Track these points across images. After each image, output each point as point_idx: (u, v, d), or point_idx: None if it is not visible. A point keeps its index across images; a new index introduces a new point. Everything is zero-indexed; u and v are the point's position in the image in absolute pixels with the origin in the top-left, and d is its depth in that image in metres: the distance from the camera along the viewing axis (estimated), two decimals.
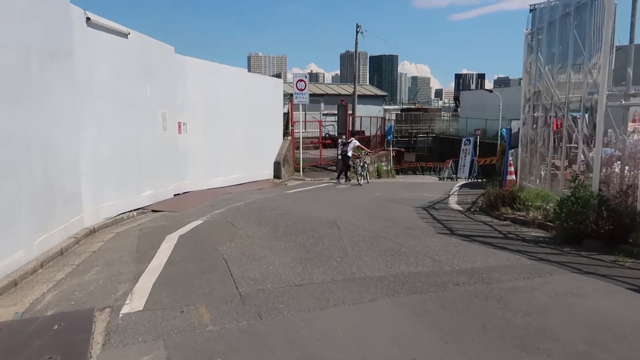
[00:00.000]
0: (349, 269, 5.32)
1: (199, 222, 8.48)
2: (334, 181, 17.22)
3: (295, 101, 18.64)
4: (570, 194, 6.79)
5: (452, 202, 11.94)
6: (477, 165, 19.56)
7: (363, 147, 18.30)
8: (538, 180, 9.46)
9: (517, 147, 16.78)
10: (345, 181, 16.99)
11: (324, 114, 28.46)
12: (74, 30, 7.51)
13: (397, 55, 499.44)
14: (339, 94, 30.87)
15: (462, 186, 15.60)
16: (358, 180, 16.92)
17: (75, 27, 7.60)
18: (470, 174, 19.74)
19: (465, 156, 20.44)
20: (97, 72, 8.28)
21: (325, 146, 23.13)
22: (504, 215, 9.08)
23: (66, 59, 7.18)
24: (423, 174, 32.87)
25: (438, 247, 6.31)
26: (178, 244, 6.74)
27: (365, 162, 17.54)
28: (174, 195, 11.70)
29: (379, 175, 24.85)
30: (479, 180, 17.59)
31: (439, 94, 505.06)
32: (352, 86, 30.23)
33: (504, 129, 28.93)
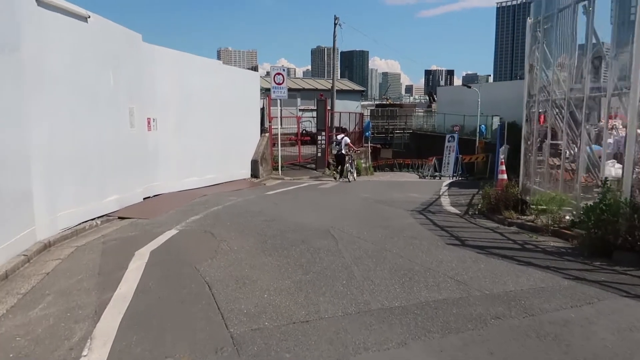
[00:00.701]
0: (361, 296, 4.42)
1: (173, 232, 7.43)
2: (326, 180, 16.46)
3: (273, 96, 17.61)
4: (597, 199, 6.05)
5: (446, 203, 11.20)
6: (461, 163, 18.97)
7: (352, 146, 18.46)
8: (543, 181, 8.78)
9: (504, 144, 16.23)
10: (340, 177, 17.38)
11: (300, 110, 27.46)
12: (20, 10, 6.35)
13: (368, 51, 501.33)
14: (316, 89, 29.91)
15: (449, 186, 14.94)
16: (348, 177, 17.31)
17: (23, 6, 6.44)
18: (454, 172, 19.15)
19: (449, 153, 19.84)
20: (50, 60, 7.10)
21: (304, 143, 22.16)
22: (509, 220, 8.35)
23: (9, 44, 6.01)
24: (401, 171, 32.29)
25: (455, 264, 5.48)
26: (150, 262, 5.71)
27: (353, 160, 17.88)
28: (144, 198, 10.57)
29: (358, 173, 24.06)
30: (465, 179, 16.96)
31: (409, 89, 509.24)
32: (329, 81, 29.34)
33: (482, 125, 28.63)
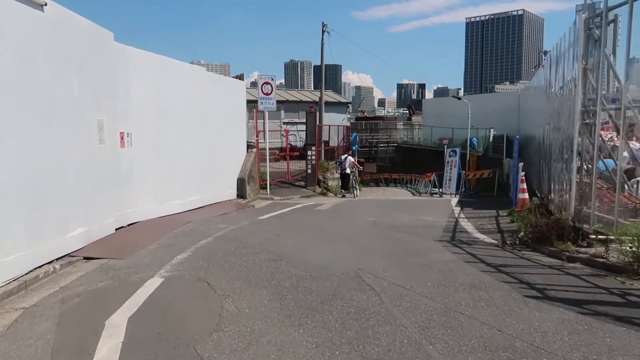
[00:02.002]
0: None
1: (156, 281, 5.67)
2: (319, 199, 15.10)
3: (260, 107, 15.95)
4: None
5: (470, 229, 9.71)
6: (465, 179, 17.64)
7: (356, 164, 19.38)
8: (601, 205, 7.36)
9: (506, 158, 14.93)
10: (346, 193, 18.34)
11: (284, 123, 25.84)
12: None
13: (341, 65, 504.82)
14: (301, 101, 28.36)
15: (460, 206, 13.51)
16: (353, 193, 18.19)
17: None
18: (457, 189, 17.82)
19: (450, 169, 18.50)
20: None
21: (292, 158, 20.51)
22: (566, 254, 6.89)
23: None
24: (388, 186, 30.92)
25: (566, 336, 3.91)
26: (128, 339, 3.96)
27: (356, 176, 19.00)
28: (116, 229, 8.74)
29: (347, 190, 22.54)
30: (470, 197, 15.61)
31: (382, 103, 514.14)
32: (314, 92, 27.86)
33: (474, 138, 27.52)
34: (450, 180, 18.62)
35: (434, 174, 21.04)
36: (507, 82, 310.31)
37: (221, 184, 13.73)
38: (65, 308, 4.82)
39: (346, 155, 19.31)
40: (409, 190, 25.83)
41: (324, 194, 18.37)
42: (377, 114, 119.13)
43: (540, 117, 14.45)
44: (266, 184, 16.64)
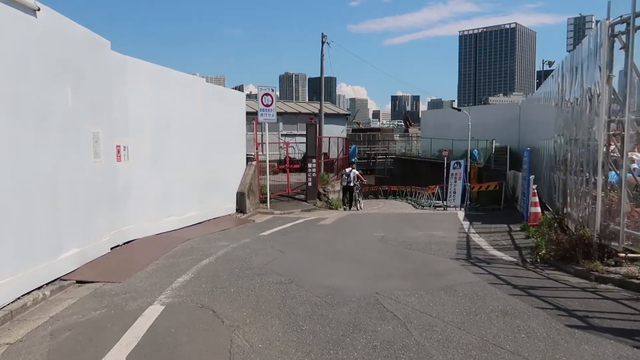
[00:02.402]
0: None
1: (156, 309, 5.16)
2: (321, 212, 14.66)
3: (260, 119, 15.54)
4: None
5: (485, 245, 9.25)
6: (470, 192, 17.23)
7: (361, 177, 19.67)
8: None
9: (510, 170, 14.55)
10: (350, 208, 18.61)
11: (282, 135, 25.44)
12: None
13: (336, 77, 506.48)
14: (299, 113, 27.97)
15: (468, 220, 13.06)
16: (357, 206, 18.62)
17: None
18: (462, 202, 17.37)
19: (455, 182, 18.07)
20: None
21: (291, 171, 20.05)
22: (595, 273, 6.44)
23: None
24: (387, 199, 30.50)
25: None
26: None
27: (359, 190, 19.38)
28: (112, 248, 8.23)
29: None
30: (475, 211, 15.18)
31: (376, 115, 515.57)
32: (312, 104, 27.52)
33: (475, 150, 27.21)
34: (454, 193, 18.21)
35: (437, 186, 20.63)
36: (501, 94, 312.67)
37: (220, 198, 13.24)
38: (55, 343, 4.30)
39: (351, 168, 19.55)
40: (410, 203, 25.42)
41: (325, 208, 17.93)
42: (372, 125, 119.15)
43: (548, 128, 14.09)
44: (266, 198, 16.17)
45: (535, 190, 11.26)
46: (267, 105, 15.47)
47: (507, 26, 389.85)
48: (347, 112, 34.70)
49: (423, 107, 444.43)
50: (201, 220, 11.96)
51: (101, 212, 7.82)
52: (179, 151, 10.72)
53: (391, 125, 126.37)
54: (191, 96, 11.32)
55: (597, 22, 7.78)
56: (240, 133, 14.58)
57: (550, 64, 34.53)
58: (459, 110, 29.51)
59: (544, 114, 15.16)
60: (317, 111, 26.35)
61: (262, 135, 16.11)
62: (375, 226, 12.35)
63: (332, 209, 18.30)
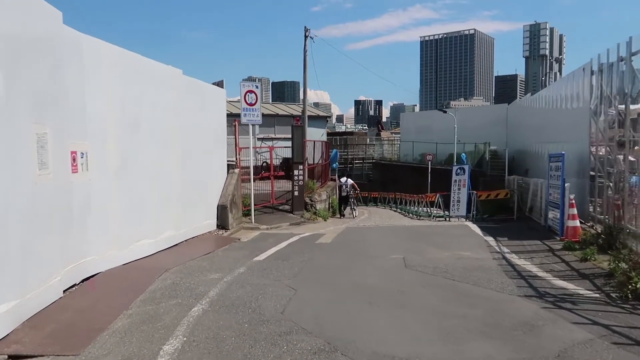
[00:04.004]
0: None
1: None
2: (313, 226, 12.93)
3: (243, 120, 13.52)
4: None
5: (538, 271, 7.54)
6: (477, 201, 15.70)
7: (356, 186, 20.06)
8: None
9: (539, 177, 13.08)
10: (341, 216, 18.81)
11: (259, 139, 23.37)
12: None
13: (299, 82, 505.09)
14: (277, 114, 25.97)
15: (486, 233, 11.43)
16: (352, 214, 18.85)
17: None
18: (468, 211, 15.86)
19: (458, 189, 16.52)
20: None
21: (269, 179, 18.03)
22: None
23: None
24: (367, 205, 28.82)
25: None
26: None
27: (354, 198, 19.80)
28: (65, 291, 6.07)
29: (333, 212, 20.26)
30: (488, 222, 13.62)
31: (340, 119, 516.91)
32: (289, 106, 25.56)
33: (463, 154, 25.89)
34: (459, 201, 16.67)
35: (437, 194, 19.08)
36: (462, 99, 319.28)
37: (200, 213, 11.15)
38: None
39: (346, 177, 20.11)
40: (397, 212, 23.78)
41: (313, 220, 16.01)
42: (337, 129, 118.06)
43: (563, 131, 12.72)
44: (249, 210, 14.13)
45: (574, 201, 9.73)
46: (251, 104, 13.47)
47: (467, 32, 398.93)
48: (327, 114, 32.91)
49: (386, 111, 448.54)
50: (178, 242, 9.85)
51: (49, 244, 5.68)
52: (151, 157, 8.62)
53: (355, 129, 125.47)
54: (167, 90, 9.23)
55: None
56: (221, 136, 12.51)
57: (557, 60, 33.66)
58: (445, 112, 28.26)
59: (555, 117, 13.81)
60: (296, 113, 24.46)
61: (234, 139, 14.09)
62: (385, 245, 10.54)
63: (320, 220, 16.41)
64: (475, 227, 12.55)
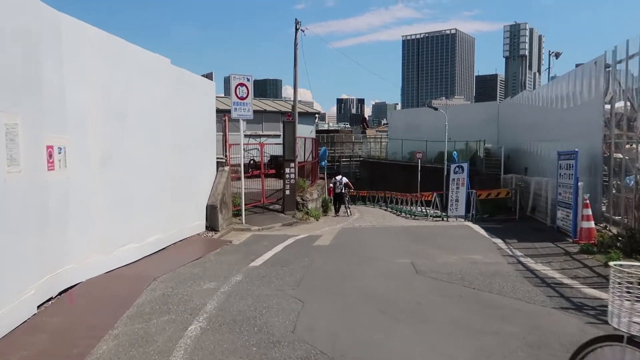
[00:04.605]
0: None
1: None
2: (307, 227, 12.20)
3: (234, 114, 12.79)
4: None
5: (562, 278, 6.97)
6: (476, 200, 15.19)
7: (350, 184, 20.34)
8: None
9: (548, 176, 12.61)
10: (335, 214, 19.14)
11: (246, 135, 22.51)
12: None
13: (281, 80, 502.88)
14: (264, 110, 25.14)
15: (492, 234, 10.86)
16: (347, 212, 19.22)
17: None
18: (467, 210, 15.32)
19: (457, 188, 15.93)
20: None
21: (255, 177, 17.27)
22: None
23: None
24: (355, 204, 28.21)
25: None
26: None
27: (347, 196, 19.94)
28: (39, 306, 5.28)
29: (324, 212, 19.60)
30: (490, 223, 13.09)
31: (322, 117, 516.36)
32: (276, 101, 24.78)
33: (454, 152, 25.45)
34: (457, 201, 16.12)
35: (434, 193, 18.53)
36: (443, 98, 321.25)
37: (189, 214, 10.37)
38: None
39: (341, 176, 20.23)
40: (387, 210, 23.21)
41: (305, 220, 15.32)
42: (320, 127, 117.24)
43: (570, 128, 12.26)
44: (239, 210, 13.39)
45: (588, 201, 9.23)
46: (242, 98, 12.73)
47: (448, 32, 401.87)
48: (316, 111, 32.15)
49: (368, 110, 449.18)
50: (166, 245, 9.08)
51: (20, 251, 4.89)
52: (139, 153, 7.82)
53: (339, 127, 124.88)
54: (154, 80, 8.44)
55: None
56: (211, 131, 11.75)
57: (557, 55, 33.46)
58: (436, 109, 27.79)
59: (560, 114, 13.35)
60: (284, 109, 23.70)
61: (240, 134, 13.35)
62: (387, 247, 9.92)
63: (312, 220, 15.74)
64: (478, 228, 12.00)
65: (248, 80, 12.89)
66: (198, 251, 9.17)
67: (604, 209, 10.08)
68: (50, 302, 5.55)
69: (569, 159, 9.95)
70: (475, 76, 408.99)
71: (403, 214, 20.76)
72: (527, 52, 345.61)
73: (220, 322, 5.03)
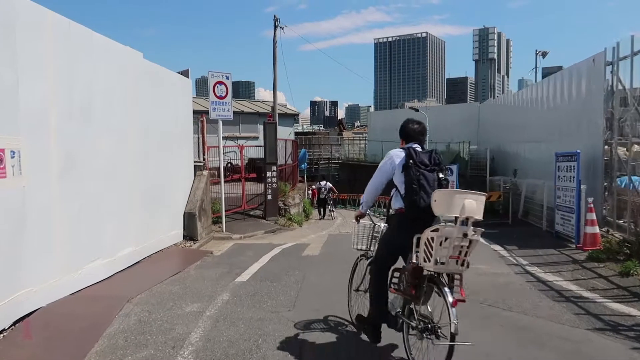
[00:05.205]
0: None
1: None
2: (291, 234, 11.37)
3: (212, 115, 11.95)
4: None
5: (582, 291, 6.38)
6: None
7: (334, 189, 21.70)
8: None
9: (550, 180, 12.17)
10: (320, 218, 19.74)
11: (223, 137, 21.57)
12: None
13: (254, 82, 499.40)
14: (242, 112, 24.18)
15: (493, 242, 10.30)
16: (331, 216, 20.32)
17: None
18: None
19: None
20: None
21: (234, 181, 16.40)
22: None
23: None
24: (336, 208, 27.55)
25: None
26: None
27: (332, 200, 21.31)
28: None
29: (306, 217, 18.85)
30: (484, 228, 12.55)
31: (296, 119, 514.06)
32: (254, 102, 23.89)
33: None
34: None
35: None
36: (416, 100, 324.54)
37: (164, 223, 9.48)
38: None
39: (325, 181, 21.55)
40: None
41: (288, 227, 14.55)
42: (295, 129, 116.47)
43: (565, 129, 11.84)
44: (220, 217, 12.53)
45: (592, 205, 8.74)
46: (221, 97, 11.90)
47: (419, 35, 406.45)
48: (295, 112, 31.28)
49: (341, 112, 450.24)
50: (140, 259, 8.17)
51: None
52: (106, 155, 6.93)
53: (313, 129, 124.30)
54: (124, 75, 7.54)
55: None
56: (187, 132, 10.87)
57: (544, 54, 33.47)
58: (417, 110, 27.31)
59: (552, 114, 12.94)
60: (262, 110, 22.81)
61: (218, 137, 12.50)
62: None
63: (295, 226, 15.00)
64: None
65: (227, 78, 12.06)
66: (176, 265, 8.30)
67: (604, 212, 9.63)
68: (1, 336, 4.63)
69: (570, 160, 9.46)
70: (446, 79, 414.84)
71: None
72: (495, 56, 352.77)
73: (210, 358, 4.22)
